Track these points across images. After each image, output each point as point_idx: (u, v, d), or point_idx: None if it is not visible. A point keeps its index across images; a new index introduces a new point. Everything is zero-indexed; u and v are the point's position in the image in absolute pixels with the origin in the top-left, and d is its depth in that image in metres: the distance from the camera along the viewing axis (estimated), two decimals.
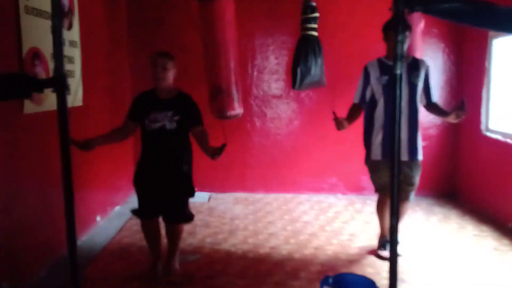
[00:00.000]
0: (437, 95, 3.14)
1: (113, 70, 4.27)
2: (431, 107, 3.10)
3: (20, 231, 2.58)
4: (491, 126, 4.18)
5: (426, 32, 4.62)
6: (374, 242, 3.37)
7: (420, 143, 3.07)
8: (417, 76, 2.97)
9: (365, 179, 4.30)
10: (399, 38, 1.33)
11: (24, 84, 1.26)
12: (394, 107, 2.83)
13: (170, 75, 2.76)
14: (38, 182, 2.81)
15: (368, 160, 3.13)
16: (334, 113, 2.94)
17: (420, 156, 3.07)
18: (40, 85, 1.29)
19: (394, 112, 2.82)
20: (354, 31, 4.52)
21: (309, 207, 4.43)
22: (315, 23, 3.87)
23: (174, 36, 4.67)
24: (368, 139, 3.10)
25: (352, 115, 3.09)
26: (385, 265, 3.07)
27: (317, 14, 3.85)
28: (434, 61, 4.73)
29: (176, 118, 2.71)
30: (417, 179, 3.09)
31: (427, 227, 3.89)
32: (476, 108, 4.30)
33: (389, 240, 3.22)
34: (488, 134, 4.17)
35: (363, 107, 3.12)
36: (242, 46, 4.61)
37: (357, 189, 4.83)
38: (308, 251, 3.30)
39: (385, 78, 2.96)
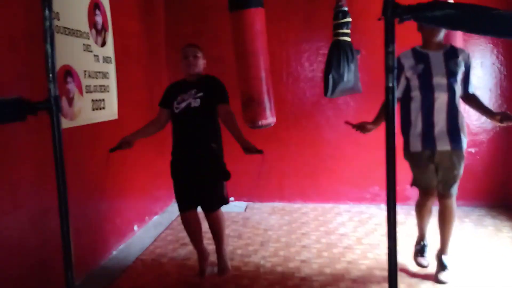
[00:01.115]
0: (473, 87, 2.89)
1: (150, 83, 4.39)
2: (469, 98, 2.87)
3: (53, 243, 2.69)
4: None
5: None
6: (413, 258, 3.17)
7: (464, 132, 2.83)
8: (456, 64, 2.77)
9: (408, 188, 4.08)
10: (390, 49, 1.23)
11: (18, 107, 1.31)
12: (431, 97, 2.72)
13: (201, 63, 2.93)
14: (70, 195, 2.92)
15: (407, 152, 2.92)
16: (348, 123, 2.84)
17: (463, 145, 2.82)
18: (34, 108, 1.32)
19: (432, 101, 2.73)
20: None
21: (347, 218, 4.27)
22: (347, 28, 3.76)
23: (211, 47, 4.71)
24: (407, 130, 2.90)
25: (382, 111, 2.95)
26: (422, 283, 2.88)
27: (349, 19, 3.74)
28: (481, 62, 4.43)
29: (200, 94, 2.80)
30: (460, 170, 2.83)
31: (476, 240, 3.60)
32: None
33: (427, 244, 3.04)
34: None
35: (397, 99, 2.95)
36: (276, 53, 4.58)
37: (401, 199, 4.57)
38: (340, 266, 3.17)
39: (421, 66, 2.80)
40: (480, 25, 1.19)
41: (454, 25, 1.32)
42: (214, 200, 2.85)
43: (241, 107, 3.67)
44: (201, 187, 2.83)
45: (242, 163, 4.84)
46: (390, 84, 1.29)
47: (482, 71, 4.46)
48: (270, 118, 3.69)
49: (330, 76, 3.72)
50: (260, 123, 3.64)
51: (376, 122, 2.93)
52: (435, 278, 2.91)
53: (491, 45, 4.43)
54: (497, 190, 4.52)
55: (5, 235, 2.31)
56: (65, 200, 1.38)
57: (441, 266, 2.92)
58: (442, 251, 2.96)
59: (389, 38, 1.27)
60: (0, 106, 1.29)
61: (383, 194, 4.82)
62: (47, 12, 1.32)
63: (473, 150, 4.53)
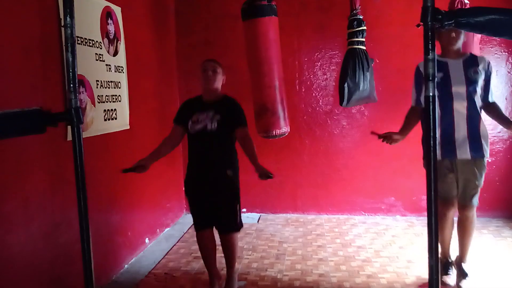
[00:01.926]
0: (493, 95, 2.81)
1: (161, 93, 4.34)
2: (489, 107, 2.79)
3: (66, 257, 2.62)
4: None
5: (487, 41, 4.28)
6: None
7: (486, 142, 2.76)
8: (476, 72, 2.71)
9: (425, 199, 3.98)
10: (430, 57, 1.15)
11: (38, 119, 1.24)
12: (450, 106, 2.63)
13: (219, 79, 2.80)
14: None
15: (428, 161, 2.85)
16: (374, 133, 2.75)
17: (485, 154, 2.75)
18: (54, 119, 1.26)
19: (451, 109, 2.63)
20: (407, 42, 4.25)
21: (364, 230, 4.16)
22: (362, 37, 3.70)
23: (222, 56, 4.63)
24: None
25: (408, 121, 2.86)
26: None
27: (364, 27, 3.69)
28: (497, 71, 4.35)
29: (217, 117, 2.69)
30: (481, 181, 2.77)
31: (495, 252, 3.50)
32: None
33: (451, 261, 2.94)
34: None
35: (421, 108, 2.87)
36: (289, 62, 4.52)
37: (418, 210, 4.48)
38: (359, 280, 3.07)
39: (440, 75, 2.71)
40: None
41: (497, 32, 1.25)
42: (230, 223, 2.78)
43: (255, 117, 3.60)
44: (217, 209, 2.76)
45: (254, 175, 4.75)
46: (431, 93, 1.21)
47: (497, 79, 4.37)
48: (284, 128, 3.63)
49: (346, 85, 3.66)
50: (274, 132, 3.58)
51: (403, 132, 2.84)
52: (456, 286, 2.85)
53: (506, 53, 4.36)
54: None
55: (17, 250, 2.24)
56: (85, 214, 1.31)
57: (462, 274, 2.87)
58: (461, 259, 2.91)
59: (429, 45, 1.19)
60: (21, 118, 1.23)
61: (399, 205, 4.75)
62: (68, 19, 1.26)
63: (489, 159, 4.41)
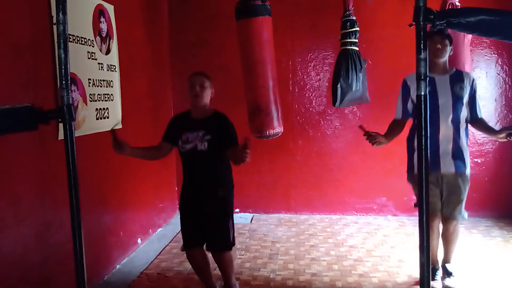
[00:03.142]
0: (481, 111, 2.85)
1: (154, 92, 4.32)
2: (477, 122, 2.83)
3: (57, 257, 2.60)
4: None
5: (477, 43, 4.33)
6: None
7: (468, 156, 2.80)
8: (462, 88, 2.74)
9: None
10: (422, 56, 1.16)
11: (30, 116, 1.23)
12: (436, 120, 2.66)
13: (207, 94, 2.69)
14: None
15: (411, 174, 2.88)
16: (362, 127, 2.73)
17: (467, 170, 2.79)
18: (46, 117, 1.25)
19: (437, 124, 2.67)
20: (400, 43, 4.28)
21: (356, 230, 4.18)
22: (355, 38, 3.72)
23: (216, 57, 4.68)
24: (411, 151, 2.88)
25: (391, 131, 2.88)
26: None
27: (357, 28, 3.70)
28: (486, 73, 4.41)
29: (207, 138, 2.61)
30: (464, 194, 2.80)
31: (484, 252, 3.53)
32: None
33: (438, 268, 2.96)
34: None
35: (405, 121, 2.91)
36: (282, 62, 4.53)
37: (409, 210, 4.50)
38: (351, 279, 3.08)
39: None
40: None
41: (488, 32, 1.26)
42: (221, 243, 2.70)
43: (248, 117, 3.60)
44: (208, 229, 2.70)
45: (247, 175, 4.77)
46: (422, 92, 1.22)
47: (487, 81, 4.43)
48: (277, 128, 3.62)
49: (339, 86, 3.67)
50: (267, 133, 3.58)
51: (387, 138, 2.84)
52: (442, 285, 2.89)
53: (496, 55, 4.41)
54: (503, 201, 4.47)
55: (8, 250, 2.22)
56: (78, 213, 1.30)
57: (446, 273, 2.92)
58: (445, 260, 2.97)
59: (421, 45, 1.20)
60: (12, 114, 1.22)
61: (390, 205, 4.77)
62: (61, 16, 1.25)
63: (479, 160, 4.47)
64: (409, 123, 2.95)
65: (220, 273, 2.82)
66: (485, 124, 2.83)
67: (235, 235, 2.80)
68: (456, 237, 2.90)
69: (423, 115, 1.23)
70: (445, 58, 2.78)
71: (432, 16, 1.19)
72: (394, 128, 2.90)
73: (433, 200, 2.80)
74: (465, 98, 2.76)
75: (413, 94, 2.80)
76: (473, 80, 2.80)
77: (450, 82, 2.76)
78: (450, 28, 1.21)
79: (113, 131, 2.53)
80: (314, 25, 4.57)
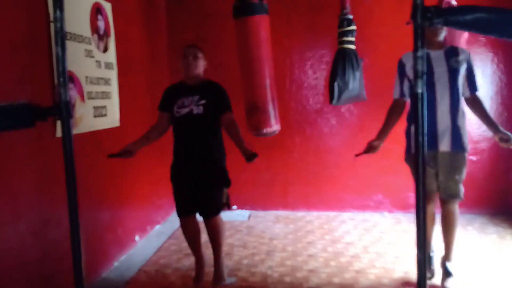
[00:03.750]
0: (478, 88, 2.83)
1: (152, 90, 4.32)
2: (474, 101, 2.80)
3: (54, 254, 2.61)
4: None
5: (473, 41, 4.34)
6: None
7: (466, 133, 2.78)
8: (457, 61, 2.73)
9: (413, 196, 4.04)
10: (419, 54, 1.17)
11: (27, 113, 1.24)
12: (433, 96, 2.67)
13: (201, 64, 2.80)
14: None
15: (409, 154, 2.87)
16: (358, 155, 2.88)
17: (465, 147, 2.76)
18: (43, 113, 1.25)
19: (434, 100, 2.67)
20: (397, 42, 4.27)
21: (352, 227, 4.20)
22: (352, 36, 3.73)
23: (213, 54, 4.65)
24: (409, 130, 2.88)
25: (389, 118, 2.88)
26: None
27: (354, 27, 3.72)
28: (482, 71, 4.43)
29: (203, 102, 2.69)
30: (462, 174, 2.77)
31: (480, 248, 3.56)
32: None
33: (433, 256, 2.97)
34: None
35: (404, 101, 2.90)
36: (280, 61, 4.53)
37: (405, 207, 4.53)
38: (348, 275, 3.10)
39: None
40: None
41: (486, 30, 1.26)
42: (211, 206, 2.76)
43: (245, 115, 3.61)
44: (199, 193, 2.75)
45: (245, 172, 4.78)
46: (419, 90, 1.22)
47: (483, 79, 4.44)
48: (274, 126, 3.63)
49: (336, 84, 3.68)
50: (264, 131, 3.58)
51: (380, 135, 2.87)
52: (441, 286, 2.86)
53: (492, 53, 4.43)
54: (498, 198, 4.49)
55: (6, 248, 2.23)
56: (75, 211, 1.30)
57: (446, 273, 2.89)
58: (446, 257, 2.92)
59: (418, 43, 1.20)
60: (9, 111, 1.22)
61: (387, 202, 4.80)
62: (58, 13, 1.25)
63: (474, 158, 4.49)
64: (408, 103, 2.94)
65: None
66: (482, 108, 2.79)
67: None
68: (456, 221, 2.82)
69: (420, 113, 1.23)
70: (442, 36, 2.78)
71: (429, 14, 1.19)
72: (393, 110, 2.89)
73: (429, 181, 2.76)
74: (462, 72, 2.74)
75: (408, 71, 2.82)
76: (469, 55, 2.80)
77: (445, 56, 2.75)
78: (448, 26, 1.22)
79: (110, 156, 2.58)
80: (311, 24, 4.58)
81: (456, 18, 1.18)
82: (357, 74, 3.75)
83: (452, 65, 2.72)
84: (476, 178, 4.44)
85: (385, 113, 3.00)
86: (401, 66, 2.89)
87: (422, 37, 1.20)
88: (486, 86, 4.44)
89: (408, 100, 2.90)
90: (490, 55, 4.44)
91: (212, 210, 2.77)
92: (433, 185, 2.81)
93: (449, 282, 2.84)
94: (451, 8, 1.19)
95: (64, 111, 1.26)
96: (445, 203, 2.82)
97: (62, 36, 1.26)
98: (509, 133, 2.60)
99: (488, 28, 1.18)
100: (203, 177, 2.73)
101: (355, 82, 3.74)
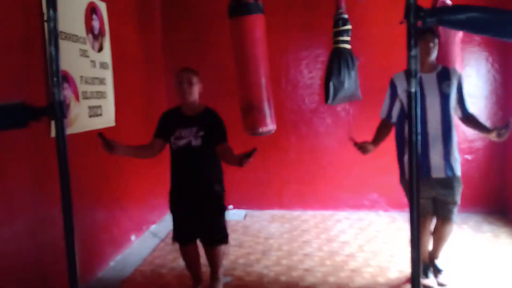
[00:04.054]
0: (469, 108, 2.85)
1: (148, 90, 4.32)
2: (468, 119, 2.83)
3: (50, 254, 2.60)
4: None
5: (467, 41, 4.35)
6: None
7: (458, 157, 2.79)
8: (449, 85, 2.73)
9: None
10: (412, 53, 1.18)
11: (20, 113, 1.24)
12: (424, 121, 2.67)
13: (196, 90, 2.73)
14: None
15: (403, 179, 2.91)
16: (352, 138, 2.80)
17: (458, 172, 2.78)
18: (36, 114, 1.25)
19: (425, 125, 2.68)
20: (392, 41, 4.31)
21: (348, 226, 4.22)
22: (347, 36, 3.74)
23: (209, 54, 4.68)
24: (401, 156, 2.88)
25: (379, 134, 2.90)
26: None
27: (349, 27, 3.72)
28: (477, 70, 4.45)
29: (201, 133, 2.65)
30: (457, 197, 2.79)
31: (474, 247, 3.59)
32: None
33: (430, 265, 2.99)
34: None
35: (391, 123, 2.90)
36: (275, 60, 4.53)
37: (400, 206, 4.54)
38: (344, 274, 3.11)
39: None
40: (505, 30, 1.15)
41: (478, 29, 1.28)
42: (215, 238, 2.76)
43: (241, 114, 3.61)
44: (202, 225, 2.73)
45: (240, 171, 4.73)
46: (413, 89, 1.23)
47: (478, 79, 4.47)
48: (270, 125, 3.63)
49: (331, 83, 3.69)
50: (260, 130, 3.58)
51: (375, 142, 2.88)
52: (436, 283, 2.90)
53: (486, 53, 4.45)
54: (493, 197, 4.52)
55: (1, 248, 2.22)
56: (69, 211, 1.31)
57: (437, 270, 2.94)
58: (433, 256, 2.97)
59: (412, 42, 1.22)
60: (2, 111, 1.22)
61: (382, 201, 4.81)
62: (51, 12, 1.25)
63: (469, 157, 4.52)
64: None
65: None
66: (476, 121, 2.81)
67: (229, 231, 2.84)
68: (448, 236, 2.88)
69: (414, 112, 1.24)
70: (434, 57, 2.78)
71: (422, 14, 1.20)
72: (381, 130, 2.91)
73: (424, 204, 2.79)
74: (453, 96, 2.75)
75: (401, 93, 2.80)
76: (460, 76, 2.80)
77: (437, 80, 2.74)
78: (441, 25, 1.23)
79: (100, 134, 2.50)
80: (307, 23, 4.59)
81: (449, 18, 1.19)
82: (353, 73, 3.75)
83: (444, 90, 2.73)
84: (471, 177, 4.46)
85: (380, 112, 3.02)
86: (392, 87, 2.86)
87: (415, 36, 1.22)
88: (481, 86, 4.47)
89: (394, 122, 2.89)
90: (484, 54, 4.46)
91: (218, 239, 2.77)
92: (429, 207, 2.83)
93: (441, 278, 2.89)
94: (444, 7, 1.20)
95: (58, 111, 1.26)
96: (441, 223, 2.85)
97: (55, 36, 1.27)
98: (500, 126, 2.60)
99: (482, 27, 1.20)
100: (205, 209, 2.71)
101: (350, 81, 3.74)
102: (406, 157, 2.81)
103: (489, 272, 3.08)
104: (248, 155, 2.37)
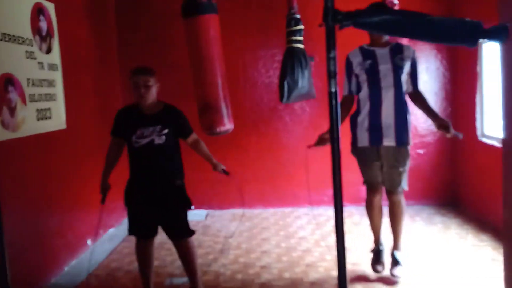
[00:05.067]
0: (420, 85, 2.97)
1: (102, 90, 4.26)
2: (417, 95, 2.93)
3: None
4: (487, 131, 4.02)
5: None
6: (368, 256, 3.22)
7: (409, 128, 2.90)
8: (402, 59, 2.85)
9: (364, 190, 4.17)
10: (331, 55, 1.24)
11: None
12: (379, 91, 2.79)
13: (154, 92, 2.69)
14: (15, 210, 2.77)
15: (355, 148, 2.99)
16: (310, 147, 2.97)
17: (408, 141, 2.90)
18: None
19: (379, 96, 2.79)
20: (343, 41, 4.40)
21: (306, 222, 4.30)
22: (300, 36, 3.80)
23: (166, 54, 4.66)
24: (354, 125, 2.97)
25: (343, 108, 2.91)
26: (379, 284, 2.94)
27: (301, 26, 3.78)
28: (427, 67, 4.64)
29: (165, 131, 2.66)
30: (406, 167, 2.90)
31: (426, 238, 3.73)
32: (472, 114, 4.15)
33: (383, 249, 3.09)
34: (484, 140, 4.01)
35: (353, 96, 3.00)
36: (233, 60, 4.57)
37: (356, 201, 4.66)
38: (299, 269, 3.18)
39: (368, 62, 2.88)
40: (416, 31, 1.23)
41: (391, 31, 1.36)
42: (185, 230, 2.76)
43: (198, 114, 3.61)
44: (168, 218, 2.73)
45: (201, 171, 4.75)
46: (333, 90, 1.30)
47: (427, 75, 4.65)
48: (227, 125, 3.66)
49: (285, 82, 3.74)
50: (218, 130, 3.60)
51: (345, 115, 2.96)
52: (390, 274, 2.98)
53: (436, 50, 4.64)
54: (445, 190, 4.72)
55: None
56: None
57: (394, 262, 3.01)
58: (394, 247, 3.05)
59: (330, 44, 1.28)
60: None
61: None
62: None
63: (421, 151, 4.70)
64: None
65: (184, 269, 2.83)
66: (425, 101, 2.91)
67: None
68: (403, 212, 2.95)
69: (334, 111, 1.30)
70: (387, 36, 2.89)
71: (340, 17, 1.27)
72: (344, 105, 2.97)
73: (374, 173, 2.91)
74: (406, 69, 2.86)
75: (355, 67, 2.93)
76: (414, 51, 2.91)
77: (390, 54, 2.86)
78: (356, 27, 1.29)
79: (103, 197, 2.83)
80: (263, 23, 4.64)
81: (364, 20, 1.26)
82: (306, 72, 3.82)
83: (397, 63, 2.84)
84: (423, 170, 4.65)
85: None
86: (348, 63, 2.98)
87: (334, 38, 1.28)
88: (431, 82, 4.65)
89: (356, 94, 3.00)
90: (434, 52, 4.64)
91: (185, 231, 2.76)
92: (379, 177, 2.94)
93: (397, 270, 2.96)
94: (359, 11, 1.26)
95: None
96: (390, 194, 2.95)
97: None
98: (447, 120, 2.74)
99: (393, 29, 1.27)
100: (168, 203, 2.70)
101: (304, 80, 3.81)
102: (359, 124, 2.91)
103: (440, 262, 3.20)
104: (224, 172, 2.75)
